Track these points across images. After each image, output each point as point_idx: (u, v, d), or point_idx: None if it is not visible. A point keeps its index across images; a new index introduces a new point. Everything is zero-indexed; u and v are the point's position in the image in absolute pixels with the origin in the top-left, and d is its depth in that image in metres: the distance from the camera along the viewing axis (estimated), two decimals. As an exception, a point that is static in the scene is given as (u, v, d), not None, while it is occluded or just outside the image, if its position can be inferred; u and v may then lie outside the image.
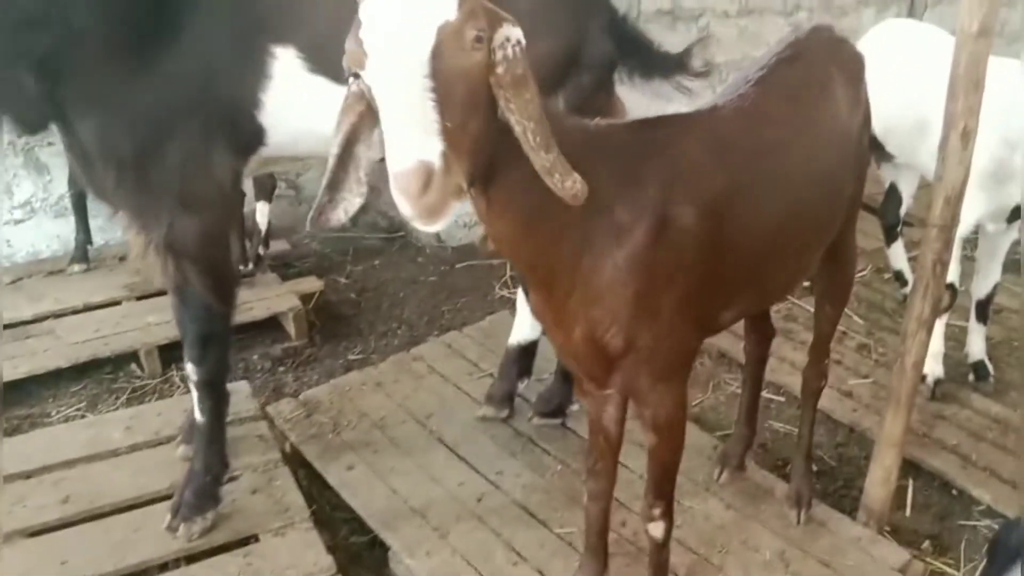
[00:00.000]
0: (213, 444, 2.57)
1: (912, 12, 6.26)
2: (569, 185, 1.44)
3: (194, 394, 2.53)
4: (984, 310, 3.39)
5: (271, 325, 3.92)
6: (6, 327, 3.53)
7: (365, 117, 1.47)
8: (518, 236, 1.59)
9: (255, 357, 3.79)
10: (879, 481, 2.65)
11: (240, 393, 3.13)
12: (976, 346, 3.42)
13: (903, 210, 3.94)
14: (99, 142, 2.18)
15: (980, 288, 3.37)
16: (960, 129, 2.26)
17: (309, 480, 2.90)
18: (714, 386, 3.56)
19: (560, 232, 1.61)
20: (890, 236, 3.98)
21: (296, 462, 2.94)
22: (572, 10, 2.51)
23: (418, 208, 1.29)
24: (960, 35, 2.19)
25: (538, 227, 1.57)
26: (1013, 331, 3.84)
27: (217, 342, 2.49)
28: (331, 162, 1.51)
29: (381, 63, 1.31)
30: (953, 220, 2.36)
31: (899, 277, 4.01)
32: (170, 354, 3.55)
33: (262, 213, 4.21)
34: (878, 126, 3.41)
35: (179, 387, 3.48)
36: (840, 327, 3.76)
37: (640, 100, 2.78)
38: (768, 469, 2.97)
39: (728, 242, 1.78)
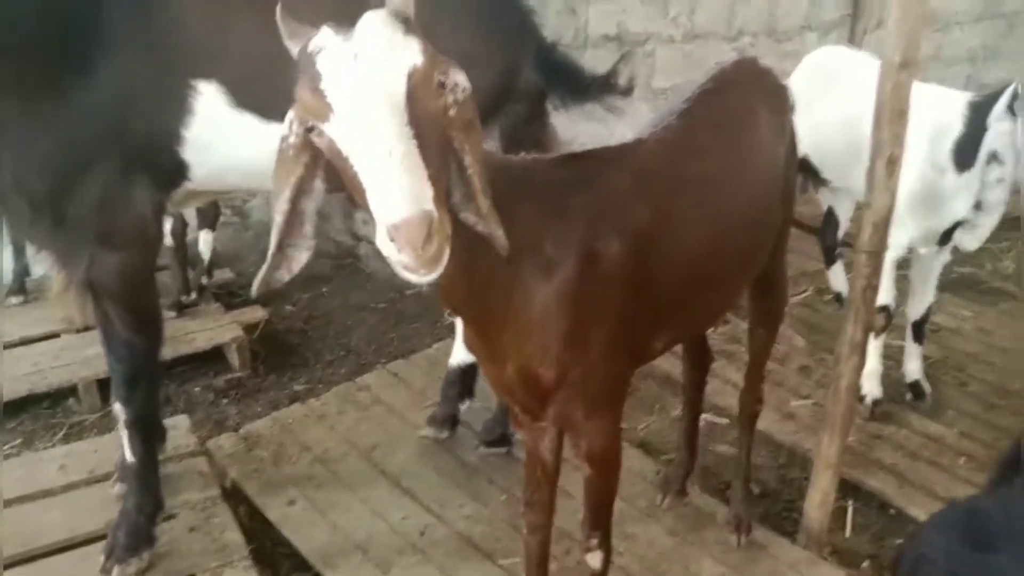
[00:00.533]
0: (146, 483, 2.52)
1: (852, 37, 6.41)
2: (501, 233, 1.46)
3: (124, 434, 2.48)
4: (920, 331, 3.46)
5: (214, 356, 3.88)
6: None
7: (309, 169, 1.44)
8: (453, 277, 1.57)
9: (197, 389, 3.74)
10: (817, 504, 2.68)
11: (179, 428, 3.09)
12: (912, 366, 3.49)
13: (841, 233, 4.03)
14: (10, 178, 2.13)
15: (915, 309, 3.44)
16: (886, 157, 2.32)
17: (250, 516, 2.86)
18: (659, 409, 3.57)
19: (492, 270, 1.61)
20: (829, 258, 4.06)
21: (237, 498, 2.89)
22: (504, 43, 2.54)
23: (423, 259, 1.25)
24: (884, 66, 2.25)
25: (472, 268, 1.56)
26: (950, 350, 3.92)
27: (145, 381, 2.45)
28: (279, 221, 1.46)
29: (359, 114, 1.27)
30: (881, 245, 2.41)
31: (839, 299, 4.08)
32: (110, 388, 3.48)
33: (205, 242, 4.16)
34: (814, 152, 3.50)
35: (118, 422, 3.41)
36: (782, 348, 3.83)
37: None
38: (712, 492, 3.00)
39: (655, 273, 1.80)
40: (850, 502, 3.03)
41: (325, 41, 1.31)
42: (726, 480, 3.11)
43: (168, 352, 3.65)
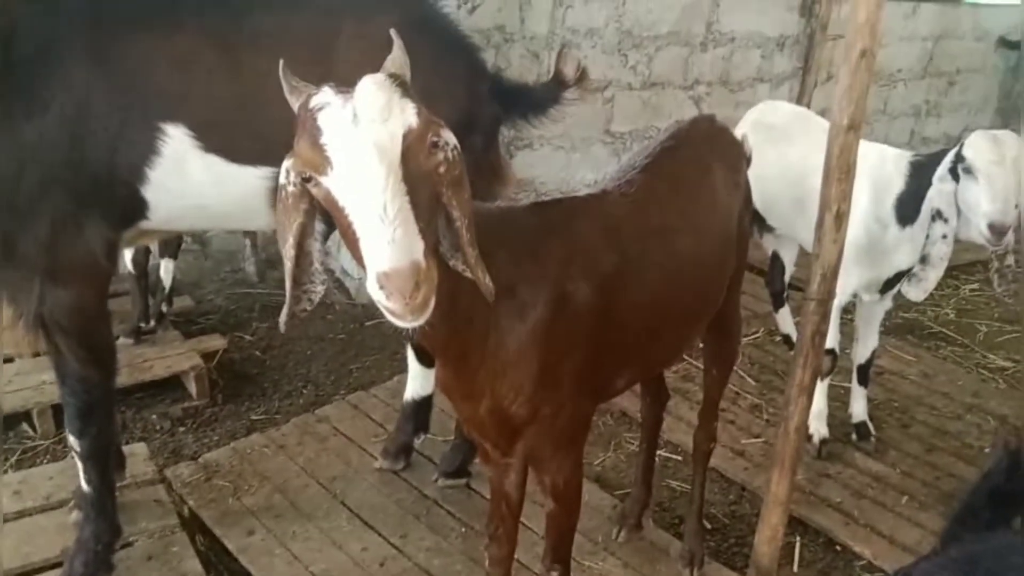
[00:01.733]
0: (103, 511, 2.51)
1: (803, 90, 6.67)
2: (489, 280, 1.55)
3: (79, 464, 2.47)
4: (864, 373, 3.60)
5: (172, 384, 3.86)
6: None
7: (309, 214, 1.52)
8: (435, 321, 1.64)
9: (154, 417, 3.71)
10: (766, 539, 2.76)
11: (137, 456, 3.08)
12: (858, 407, 3.63)
13: (787, 277, 4.19)
14: None
15: (860, 353, 3.59)
16: (834, 212, 2.45)
17: (208, 546, 2.85)
18: (615, 445, 3.65)
19: (471, 313, 1.69)
20: (777, 302, 4.22)
21: (195, 527, 2.89)
22: (463, 80, 2.66)
23: (411, 306, 1.33)
24: (832, 128, 2.39)
25: (452, 311, 1.62)
26: (894, 393, 4.08)
27: (99, 414, 2.44)
28: (289, 265, 1.54)
29: (357, 171, 1.35)
30: (829, 294, 2.53)
31: (787, 340, 4.23)
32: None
33: (167, 270, 4.15)
34: (759, 200, 3.64)
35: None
36: (734, 388, 3.95)
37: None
38: (665, 527, 3.08)
39: (620, 315, 1.89)
40: (798, 538, 3.14)
41: (326, 100, 1.39)
42: (679, 515, 3.19)
43: (125, 379, 3.67)
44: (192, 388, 3.82)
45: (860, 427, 3.62)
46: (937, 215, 3.00)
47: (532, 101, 2.79)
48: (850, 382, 3.70)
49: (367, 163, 1.34)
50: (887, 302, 3.50)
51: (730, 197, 2.26)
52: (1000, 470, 1.59)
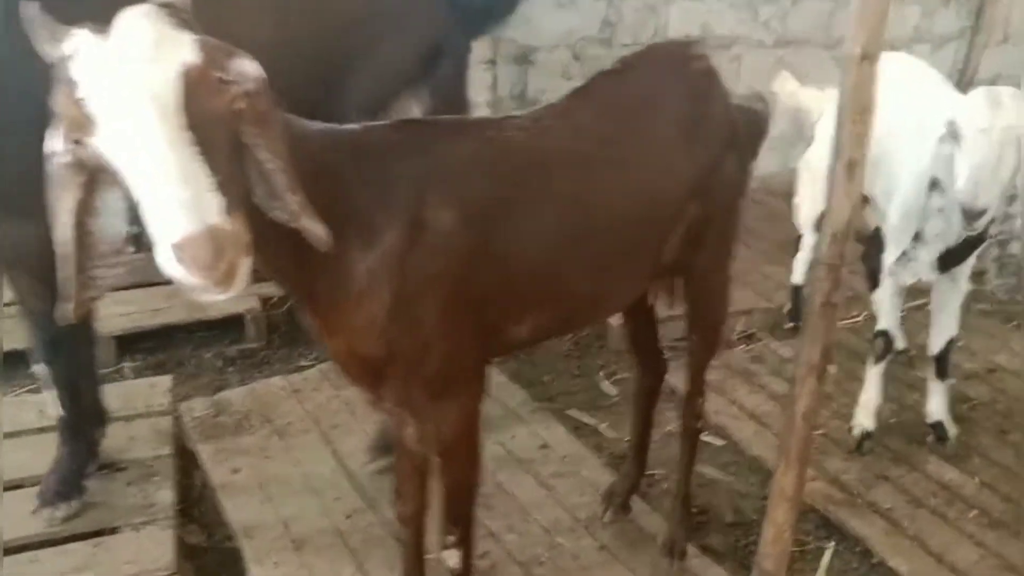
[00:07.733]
0: (75, 436, 2.58)
1: (971, 51, 5.90)
2: (319, 228, 1.35)
3: (52, 390, 2.53)
4: (942, 366, 3.05)
5: (234, 325, 3.97)
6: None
7: (88, 187, 1.30)
8: (277, 258, 1.49)
9: (209, 355, 3.83)
10: (771, 539, 2.42)
11: (158, 387, 3.18)
12: (934, 404, 3.09)
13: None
14: None
15: (934, 343, 3.03)
16: (845, 160, 2.06)
17: (202, 480, 2.90)
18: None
19: (315, 253, 1.50)
20: (873, 281, 3.69)
21: (191, 461, 2.95)
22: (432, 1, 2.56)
23: (215, 278, 1.15)
24: (845, 60, 2.01)
25: (298, 244, 1.43)
26: (1002, 393, 3.49)
27: (68, 344, 2.46)
28: (67, 250, 1.32)
29: (126, 124, 1.15)
30: (840, 258, 2.15)
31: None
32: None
33: None
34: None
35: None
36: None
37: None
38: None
39: (504, 251, 1.68)
40: (832, 544, 2.75)
41: (80, 43, 1.18)
42: (699, 504, 2.88)
43: (184, 316, 3.82)
44: (249, 330, 3.91)
45: (936, 427, 3.09)
46: (934, 184, 2.50)
47: (502, 5, 2.69)
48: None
49: (134, 112, 1.14)
50: (961, 284, 2.90)
51: (691, 129, 1.95)
52: None
